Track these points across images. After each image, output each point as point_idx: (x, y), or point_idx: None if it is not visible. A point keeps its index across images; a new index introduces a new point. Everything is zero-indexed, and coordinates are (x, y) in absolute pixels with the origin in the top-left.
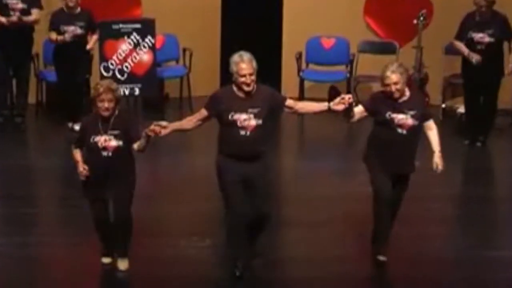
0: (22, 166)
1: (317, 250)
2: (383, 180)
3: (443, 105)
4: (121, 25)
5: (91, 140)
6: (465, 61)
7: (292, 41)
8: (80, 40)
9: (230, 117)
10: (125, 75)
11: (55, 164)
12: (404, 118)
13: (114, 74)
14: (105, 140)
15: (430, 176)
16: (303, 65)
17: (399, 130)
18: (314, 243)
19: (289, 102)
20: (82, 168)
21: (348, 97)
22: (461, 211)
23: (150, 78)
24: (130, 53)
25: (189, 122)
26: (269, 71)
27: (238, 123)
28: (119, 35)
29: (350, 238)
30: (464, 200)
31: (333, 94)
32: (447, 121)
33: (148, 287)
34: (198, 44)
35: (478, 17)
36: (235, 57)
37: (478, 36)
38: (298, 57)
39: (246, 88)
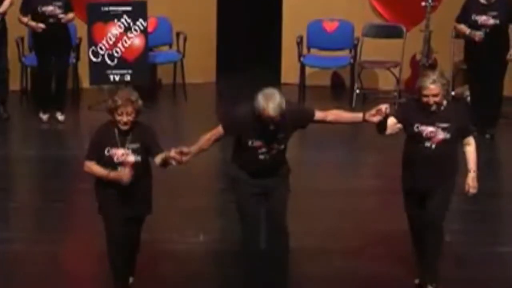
0: (2, 156)
1: (317, 243)
2: (412, 207)
3: (453, 92)
4: (110, 8)
5: (106, 152)
6: (469, 45)
7: (293, 24)
8: (60, 23)
9: (250, 143)
10: (115, 61)
11: (39, 155)
12: (434, 131)
13: (103, 59)
14: (122, 155)
15: None
16: (304, 50)
17: (427, 144)
18: (314, 236)
19: (318, 115)
20: (126, 170)
21: (384, 107)
22: (468, 206)
23: (141, 64)
24: (121, 37)
25: (207, 141)
26: (268, 56)
27: (258, 150)
28: (109, 18)
29: (350, 232)
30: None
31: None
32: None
33: (139, 282)
34: (192, 27)
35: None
36: (261, 100)
37: (482, 18)
38: (299, 41)
39: (271, 127)
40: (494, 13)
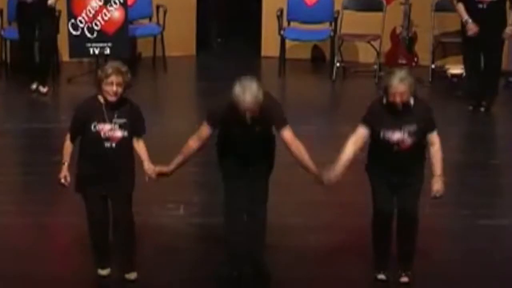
0: None
1: (294, 217)
2: (384, 195)
3: (433, 66)
4: None
5: (92, 128)
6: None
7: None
8: None
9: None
10: (95, 34)
11: (19, 128)
12: (401, 138)
13: (83, 32)
14: (110, 130)
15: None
16: (285, 23)
17: (396, 148)
18: (292, 209)
19: (286, 133)
20: (64, 176)
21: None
22: (454, 179)
23: (121, 37)
24: (100, 10)
25: (191, 148)
26: (249, 29)
27: (238, 139)
28: None
29: (329, 207)
30: (456, 168)
31: None
32: (436, 83)
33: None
34: (172, 0)
35: None
36: (238, 90)
37: None
38: (279, 15)
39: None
40: None
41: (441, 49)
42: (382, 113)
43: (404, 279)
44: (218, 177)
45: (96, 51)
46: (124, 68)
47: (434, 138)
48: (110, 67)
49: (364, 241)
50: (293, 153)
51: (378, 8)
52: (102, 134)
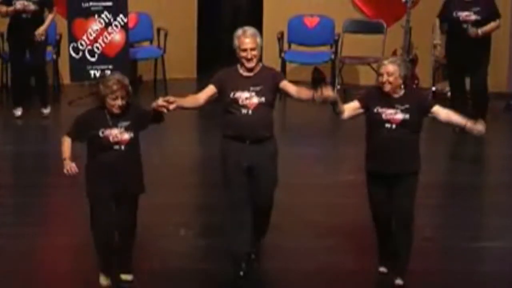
0: None
1: (295, 240)
2: (377, 196)
3: (433, 88)
4: (91, 3)
5: (100, 134)
6: (450, 40)
7: (273, 20)
8: (36, 18)
9: (232, 95)
10: (96, 56)
11: (18, 150)
12: (393, 113)
13: (84, 55)
14: (118, 134)
15: None
16: (285, 46)
17: (387, 125)
18: (292, 232)
19: (285, 83)
20: (70, 168)
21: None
22: (448, 201)
23: (122, 60)
24: (101, 32)
25: (195, 98)
26: None
27: (240, 102)
28: (89, 13)
29: (330, 229)
30: (452, 189)
31: (316, 76)
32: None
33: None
34: (173, 23)
35: None
36: (238, 31)
37: (463, 14)
38: (280, 37)
39: (247, 64)
40: (476, 9)
41: (442, 71)
42: (376, 95)
43: (398, 281)
44: (217, 199)
45: (97, 74)
46: (126, 80)
47: (437, 109)
48: (113, 82)
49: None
50: (293, 92)
51: (379, 30)
52: (111, 138)
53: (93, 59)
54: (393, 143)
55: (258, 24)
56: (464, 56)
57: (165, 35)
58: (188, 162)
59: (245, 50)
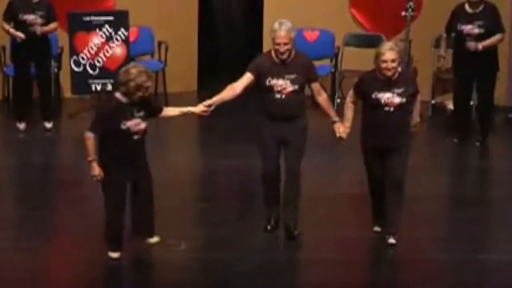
0: None
1: (296, 252)
2: (374, 167)
3: (433, 101)
4: (92, 17)
5: (122, 126)
6: (457, 54)
7: None
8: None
9: (267, 82)
10: (97, 70)
11: (20, 163)
12: (391, 97)
13: (85, 68)
14: (136, 124)
15: (415, 176)
16: None
17: (387, 109)
18: (294, 244)
19: (314, 85)
20: (98, 172)
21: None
22: (448, 213)
23: None
24: (102, 46)
25: (231, 90)
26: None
27: (275, 88)
28: (91, 27)
29: (330, 241)
30: (452, 201)
31: None
32: (436, 117)
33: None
34: (174, 37)
35: (467, 8)
36: (275, 24)
37: (467, 28)
38: None
39: (280, 56)
40: (480, 22)
41: (441, 84)
42: (370, 80)
43: (391, 240)
44: (218, 212)
45: (98, 87)
46: (150, 71)
47: (418, 96)
48: (144, 74)
49: None
50: (319, 100)
51: (378, 44)
52: (131, 129)
53: (94, 73)
54: (390, 123)
55: (258, 38)
56: (470, 70)
57: (166, 49)
58: (189, 175)
59: (278, 44)
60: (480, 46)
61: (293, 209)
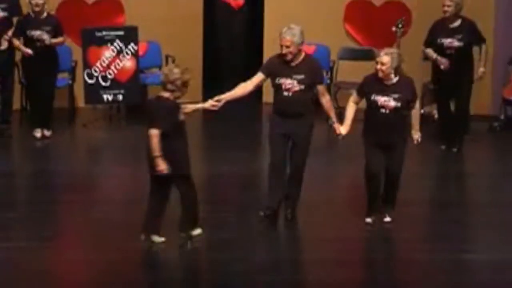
0: (3, 172)
1: (293, 253)
2: (373, 155)
3: (422, 111)
4: (104, 32)
5: (180, 118)
6: (435, 66)
7: (273, 48)
8: (48, 47)
9: (277, 81)
10: (109, 82)
11: (36, 169)
12: (387, 100)
13: (97, 80)
14: (183, 118)
15: (404, 181)
16: None
17: (383, 110)
18: (291, 246)
19: (319, 87)
20: (164, 167)
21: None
22: (434, 216)
23: (133, 85)
24: (114, 60)
25: (243, 88)
26: (251, 77)
27: (283, 86)
28: (103, 42)
29: (330, 241)
30: (438, 205)
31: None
32: (425, 126)
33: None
34: (180, 51)
35: (446, 23)
36: (284, 28)
37: (447, 41)
38: None
39: (283, 57)
40: (459, 36)
41: (429, 95)
42: (372, 81)
43: (387, 219)
44: (222, 214)
45: (110, 98)
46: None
47: (416, 104)
48: (187, 71)
49: None
50: (322, 101)
51: (371, 57)
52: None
53: (106, 84)
54: (386, 123)
55: (258, 52)
56: (448, 81)
57: (173, 62)
58: (195, 179)
59: (281, 46)
60: (480, 71)
61: (294, 196)
